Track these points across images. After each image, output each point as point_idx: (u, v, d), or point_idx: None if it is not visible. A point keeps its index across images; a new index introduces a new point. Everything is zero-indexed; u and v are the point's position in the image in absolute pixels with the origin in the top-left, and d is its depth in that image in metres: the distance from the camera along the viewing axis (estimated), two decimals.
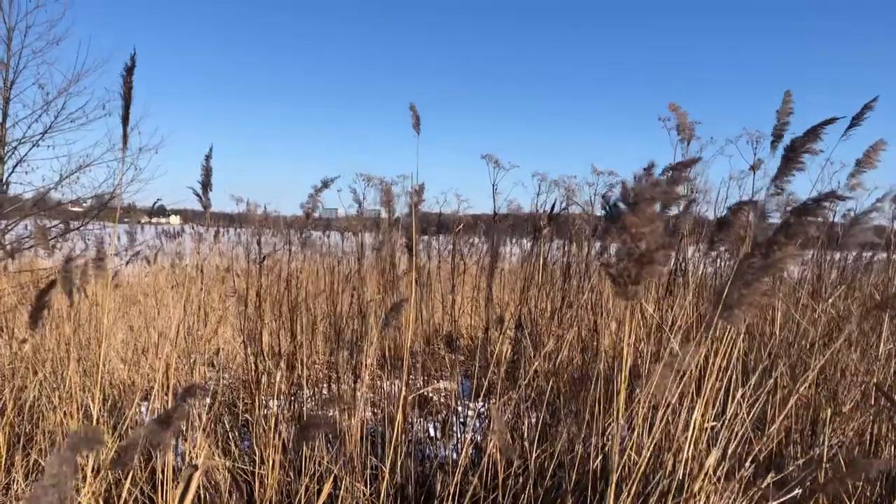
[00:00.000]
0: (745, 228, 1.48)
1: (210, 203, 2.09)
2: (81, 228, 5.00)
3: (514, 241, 4.09)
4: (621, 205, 0.97)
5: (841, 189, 1.91)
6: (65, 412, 2.05)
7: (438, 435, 2.42)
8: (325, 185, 2.38)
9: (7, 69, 4.75)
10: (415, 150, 2.00)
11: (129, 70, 1.53)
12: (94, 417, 1.70)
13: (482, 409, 2.35)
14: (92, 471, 1.73)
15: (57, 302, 2.67)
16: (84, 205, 5.17)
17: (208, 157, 2.10)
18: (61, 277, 1.63)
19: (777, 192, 1.58)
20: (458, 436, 2.36)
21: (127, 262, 4.73)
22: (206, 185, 2.06)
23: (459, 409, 2.46)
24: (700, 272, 2.21)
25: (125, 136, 1.66)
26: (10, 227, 4.52)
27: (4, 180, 4.69)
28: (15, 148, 4.77)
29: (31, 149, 4.84)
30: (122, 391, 2.77)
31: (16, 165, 4.83)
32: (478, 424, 2.27)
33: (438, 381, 2.62)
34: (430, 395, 2.69)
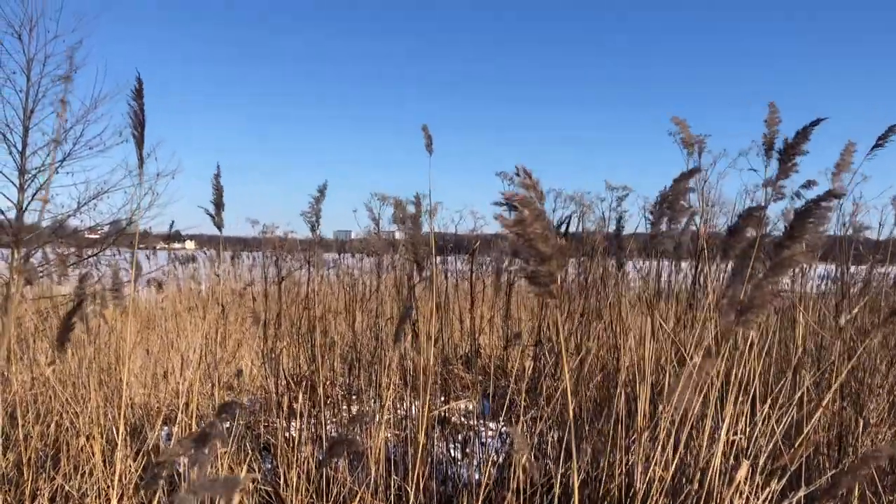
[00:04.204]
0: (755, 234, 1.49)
1: (223, 223, 2.08)
2: (98, 255, 5.04)
3: None
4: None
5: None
6: (88, 436, 2.06)
7: (459, 455, 2.40)
8: (322, 192, 2.39)
9: (27, 99, 4.84)
10: (433, 168, 2.01)
11: (139, 92, 1.52)
12: (118, 442, 1.71)
13: (503, 429, 2.34)
14: (116, 495, 1.74)
15: (77, 327, 2.70)
16: (101, 231, 5.22)
17: (217, 176, 2.09)
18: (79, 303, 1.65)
19: (778, 196, 1.60)
20: (480, 456, 2.34)
21: (139, 288, 4.74)
22: (218, 205, 2.05)
23: (481, 429, 2.44)
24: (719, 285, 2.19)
25: (140, 160, 1.66)
26: (30, 255, 4.58)
27: (24, 208, 4.76)
28: (34, 176, 4.85)
29: (49, 176, 4.91)
30: (143, 415, 2.78)
31: (35, 193, 4.90)
32: (499, 444, 2.26)
33: (458, 401, 2.61)
34: (450, 414, 2.68)
